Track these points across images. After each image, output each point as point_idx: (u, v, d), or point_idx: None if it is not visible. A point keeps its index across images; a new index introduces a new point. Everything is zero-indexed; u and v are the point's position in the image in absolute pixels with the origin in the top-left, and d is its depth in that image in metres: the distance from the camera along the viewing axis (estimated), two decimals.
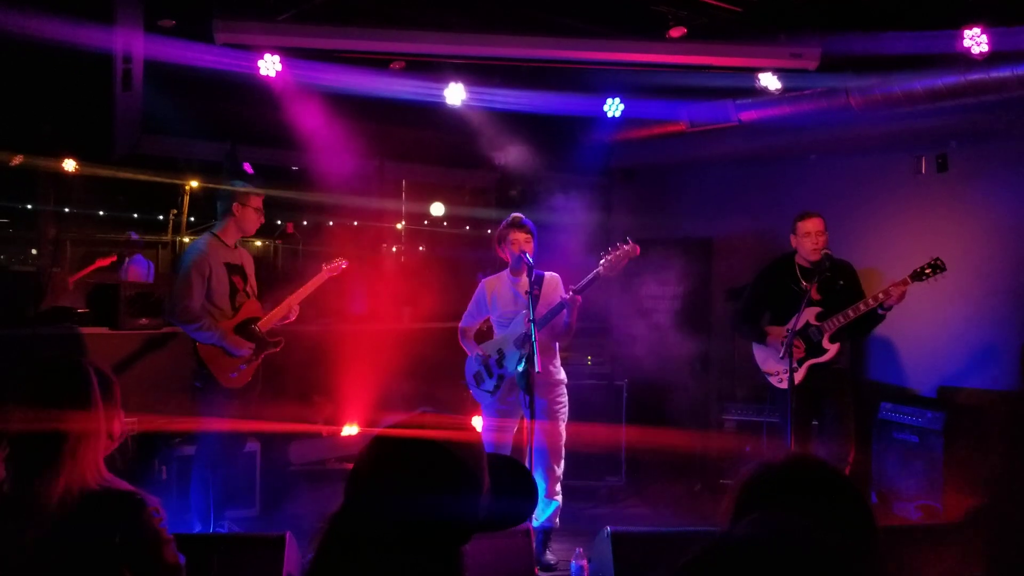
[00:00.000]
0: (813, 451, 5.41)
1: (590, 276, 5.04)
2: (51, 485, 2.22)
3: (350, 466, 1.65)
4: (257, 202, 5.24)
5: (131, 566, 2.26)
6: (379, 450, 1.61)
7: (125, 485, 2.37)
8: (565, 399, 5.24)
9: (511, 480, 1.71)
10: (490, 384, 5.26)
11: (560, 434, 5.19)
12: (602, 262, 5.05)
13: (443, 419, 1.66)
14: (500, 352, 5.25)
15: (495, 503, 1.64)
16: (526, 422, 5.24)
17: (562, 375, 5.27)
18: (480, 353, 5.30)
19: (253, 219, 5.25)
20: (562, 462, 5.22)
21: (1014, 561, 2.40)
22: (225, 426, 5.13)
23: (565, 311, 5.06)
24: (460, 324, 5.51)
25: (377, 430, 1.67)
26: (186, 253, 5.29)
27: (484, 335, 5.57)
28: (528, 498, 1.75)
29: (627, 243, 5.06)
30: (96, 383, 2.34)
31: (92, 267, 7.76)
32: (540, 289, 5.07)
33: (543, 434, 5.08)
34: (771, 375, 5.43)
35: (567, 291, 5.06)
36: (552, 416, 5.15)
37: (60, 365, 2.39)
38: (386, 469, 1.58)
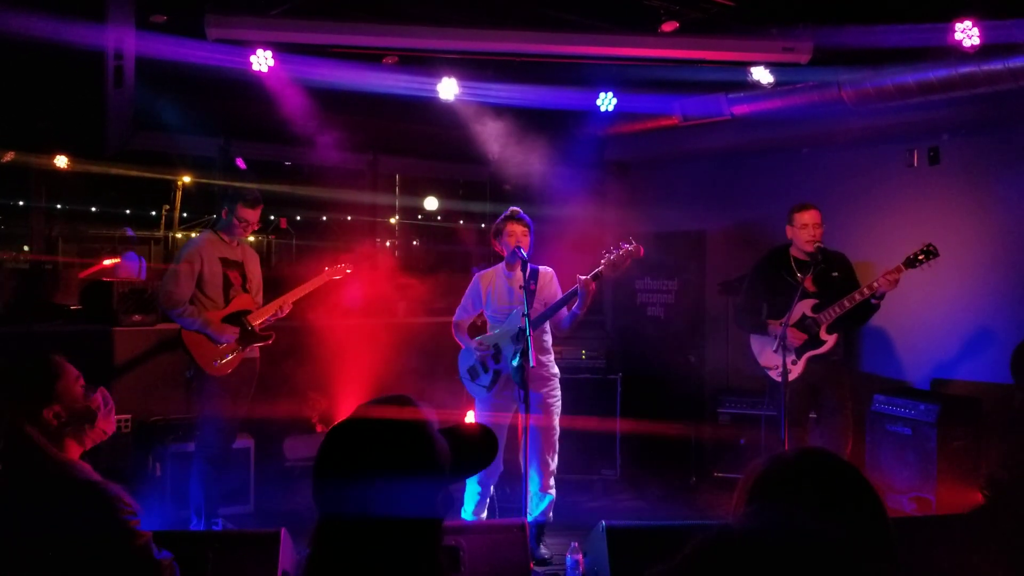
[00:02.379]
0: (810, 444, 5.43)
1: (592, 273, 5.00)
2: (9, 476, 2.23)
3: None
4: (245, 214, 5.25)
5: (96, 559, 2.23)
6: (329, 447, 1.62)
7: (91, 476, 2.35)
8: (558, 393, 5.25)
9: (466, 436, 1.72)
10: (486, 379, 5.25)
11: (554, 428, 5.19)
12: (603, 261, 5.00)
13: (390, 403, 1.67)
14: (496, 347, 5.23)
15: (458, 460, 1.66)
16: (520, 417, 5.26)
17: (555, 369, 5.27)
18: (476, 348, 5.29)
19: (237, 228, 5.30)
20: (556, 456, 5.22)
21: (1010, 555, 2.41)
22: (220, 417, 5.17)
23: (578, 300, 4.99)
24: (454, 318, 5.48)
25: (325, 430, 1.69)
26: (184, 245, 5.51)
27: (477, 329, 5.57)
28: (488, 446, 1.77)
29: (631, 243, 5.00)
30: (55, 379, 2.35)
31: (98, 266, 7.77)
32: (536, 283, 5.07)
33: (537, 428, 5.07)
34: (769, 369, 5.43)
35: (578, 280, 4.98)
36: (546, 410, 5.15)
37: (20, 361, 2.41)
38: (340, 463, 1.59)
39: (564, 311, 5.13)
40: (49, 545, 2.20)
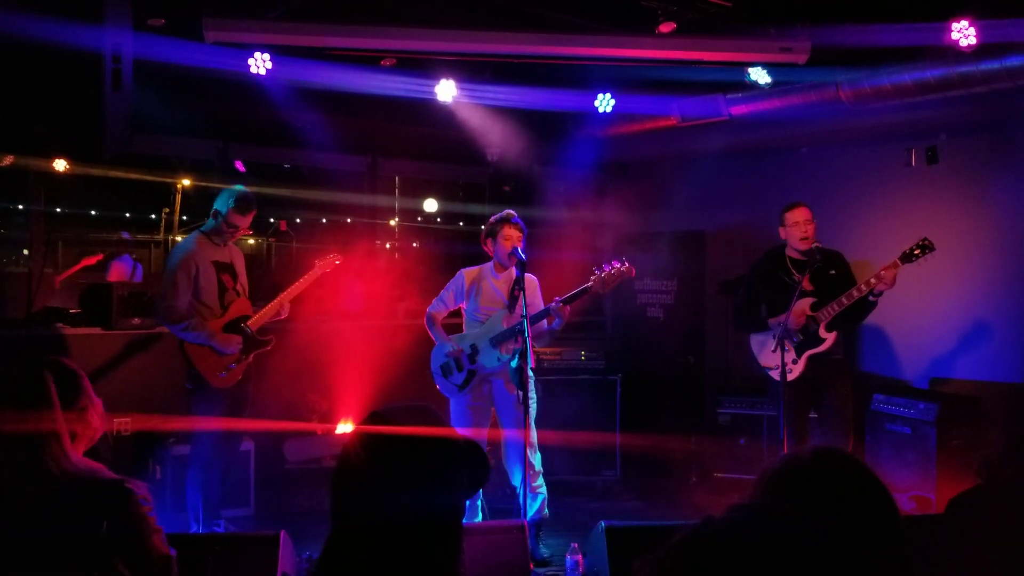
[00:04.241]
0: (810, 444, 5.43)
1: (579, 289, 5.00)
2: (24, 480, 2.26)
3: None
4: (235, 220, 5.12)
5: (121, 555, 2.28)
6: (362, 449, 1.61)
7: (111, 475, 2.39)
8: (534, 394, 5.24)
9: (466, 454, 1.72)
10: (459, 378, 5.22)
11: (531, 427, 5.17)
12: (593, 277, 5.00)
13: (414, 411, 1.67)
14: (473, 347, 5.21)
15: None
16: (495, 417, 5.25)
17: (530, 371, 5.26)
18: (452, 345, 5.25)
19: (226, 233, 5.19)
20: (538, 455, 5.20)
21: (1009, 553, 2.41)
22: (219, 426, 5.12)
23: (548, 319, 5.03)
24: (429, 309, 5.39)
25: (352, 430, 1.68)
26: (173, 251, 5.33)
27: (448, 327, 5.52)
28: (481, 466, 1.76)
29: (623, 263, 5.00)
30: (52, 383, 2.37)
31: (78, 266, 7.76)
32: (520, 289, 5.07)
33: (517, 429, 5.04)
34: (769, 368, 5.43)
35: (554, 300, 5.02)
36: (525, 410, 5.14)
37: (13, 369, 2.43)
38: (373, 467, 1.59)
39: (544, 325, 5.13)
40: (78, 544, 2.24)
